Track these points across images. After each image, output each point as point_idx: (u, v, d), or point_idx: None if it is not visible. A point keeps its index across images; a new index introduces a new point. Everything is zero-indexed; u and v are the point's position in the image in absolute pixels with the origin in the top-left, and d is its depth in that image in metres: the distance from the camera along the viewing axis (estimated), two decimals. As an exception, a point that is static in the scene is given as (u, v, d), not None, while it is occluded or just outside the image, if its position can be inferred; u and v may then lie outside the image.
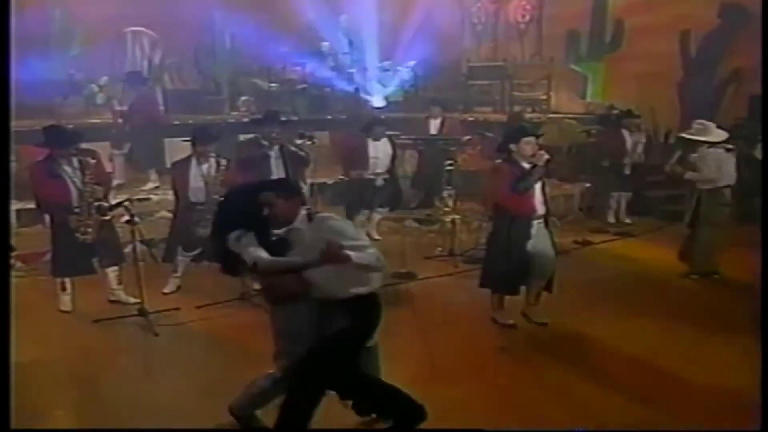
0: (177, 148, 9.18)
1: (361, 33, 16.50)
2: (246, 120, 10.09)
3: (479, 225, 9.92)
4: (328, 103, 15.65)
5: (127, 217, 7.31)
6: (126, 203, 7.41)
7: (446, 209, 10.27)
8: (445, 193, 10.41)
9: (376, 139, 10.18)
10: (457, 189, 10.34)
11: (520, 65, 15.90)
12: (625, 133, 11.75)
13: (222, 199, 5.34)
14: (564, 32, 15.46)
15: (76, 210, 7.27)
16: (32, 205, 7.80)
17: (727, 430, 5.11)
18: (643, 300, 8.15)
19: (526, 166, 6.91)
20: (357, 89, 15.62)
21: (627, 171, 11.77)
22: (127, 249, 7.61)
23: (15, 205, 10.10)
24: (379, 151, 10.25)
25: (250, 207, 4.76)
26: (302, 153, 8.64)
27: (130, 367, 6.33)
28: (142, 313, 7.18)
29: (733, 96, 13.19)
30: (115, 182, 9.64)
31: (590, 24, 15.20)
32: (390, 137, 10.44)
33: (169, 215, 8.71)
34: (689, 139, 8.99)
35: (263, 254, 4.65)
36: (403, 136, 11.58)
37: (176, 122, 12.47)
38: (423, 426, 5.07)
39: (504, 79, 15.52)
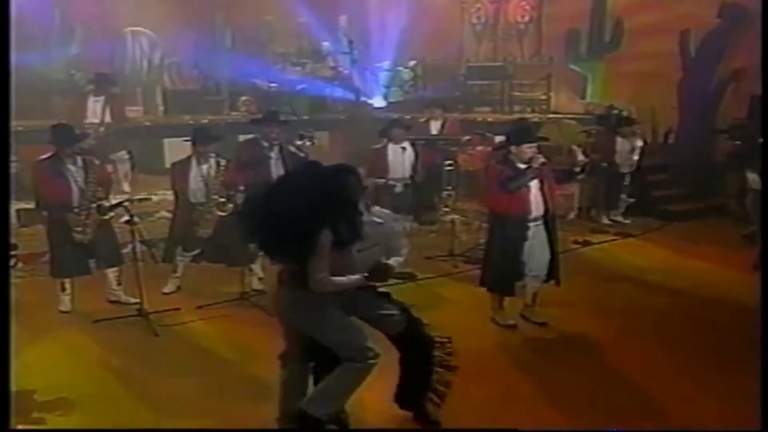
0: (177, 149, 9.19)
1: (361, 33, 16.50)
2: (246, 120, 10.04)
3: (479, 225, 9.91)
4: (328, 103, 15.64)
5: (126, 217, 7.31)
6: (126, 203, 7.42)
7: (446, 209, 10.28)
8: (445, 194, 10.42)
9: (396, 142, 9.98)
10: (456, 189, 10.34)
11: (520, 65, 15.90)
12: (618, 137, 11.77)
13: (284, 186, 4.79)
14: (563, 32, 15.45)
15: (75, 209, 7.27)
16: (32, 205, 7.79)
17: (727, 430, 5.10)
18: (644, 301, 8.16)
19: (521, 166, 6.91)
20: (357, 90, 15.61)
21: (627, 176, 11.79)
22: (127, 249, 7.60)
23: (16, 205, 10.13)
24: (398, 154, 9.80)
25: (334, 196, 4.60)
26: (302, 154, 8.63)
27: (130, 367, 6.31)
28: (141, 313, 7.19)
29: (733, 96, 13.20)
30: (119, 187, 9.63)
31: (590, 24, 15.19)
32: (413, 142, 9.98)
33: (169, 215, 8.71)
34: None
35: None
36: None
37: (176, 122, 12.49)
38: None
39: (504, 79, 15.52)
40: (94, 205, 7.32)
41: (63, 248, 7.42)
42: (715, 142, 11.98)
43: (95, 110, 10.99)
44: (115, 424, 5.33)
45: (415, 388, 5.25)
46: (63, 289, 7.62)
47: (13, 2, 7.05)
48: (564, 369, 6.30)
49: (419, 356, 5.21)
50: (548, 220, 7.13)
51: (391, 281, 8.54)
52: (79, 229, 7.30)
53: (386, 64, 16.55)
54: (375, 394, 5.35)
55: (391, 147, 9.75)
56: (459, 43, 16.93)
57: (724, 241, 10.38)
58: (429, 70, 16.22)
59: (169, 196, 8.73)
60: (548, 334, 7.15)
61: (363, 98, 15.74)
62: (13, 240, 6.52)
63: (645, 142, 11.97)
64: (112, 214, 7.45)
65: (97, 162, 7.48)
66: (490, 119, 14.30)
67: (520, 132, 7.32)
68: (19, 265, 8.52)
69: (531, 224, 6.99)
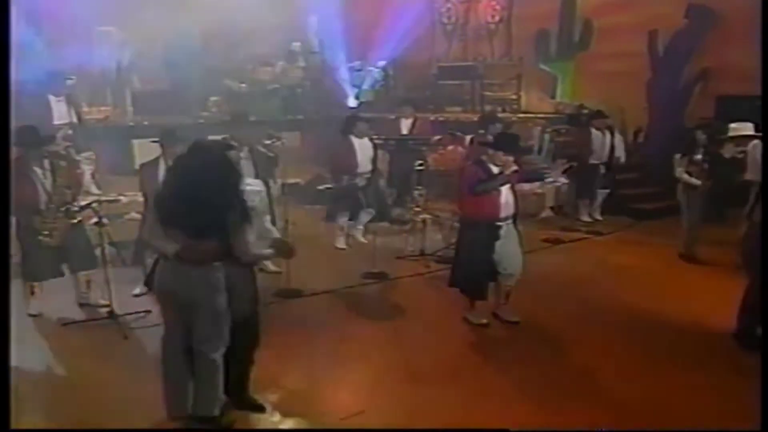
0: (146, 150, 9.11)
1: (332, 33, 16.49)
2: (215, 121, 10.01)
3: (450, 225, 9.93)
4: (300, 103, 15.61)
5: (95, 219, 7.23)
6: (94, 205, 7.34)
7: (417, 209, 10.29)
8: (415, 193, 10.43)
9: (359, 137, 10.06)
10: (427, 189, 10.36)
11: (490, 65, 16.00)
12: (594, 132, 11.83)
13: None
14: (533, 32, 15.56)
15: (43, 212, 7.17)
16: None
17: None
18: (614, 297, 8.22)
19: (495, 170, 6.93)
20: (328, 90, 15.59)
21: (599, 170, 11.85)
22: (96, 251, 7.52)
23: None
24: (362, 149, 10.10)
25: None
26: (271, 154, 8.60)
27: (100, 370, 6.24)
28: (111, 316, 7.12)
29: (700, 95, 13.35)
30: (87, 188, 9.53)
31: (559, 24, 15.30)
32: (370, 137, 10.29)
33: (139, 217, 8.63)
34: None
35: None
36: (374, 136, 11.54)
37: (145, 123, 12.39)
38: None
39: (474, 78, 15.59)
40: (62, 208, 7.21)
41: (34, 252, 7.30)
42: (687, 140, 12.03)
43: (60, 111, 10.85)
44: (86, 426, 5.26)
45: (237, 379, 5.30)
46: (32, 293, 7.52)
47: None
48: (533, 367, 6.32)
49: (242, 350, 5.23)
50: (517, 221, 7.19)
51: (363, 281, 8.65)
52: (46, 232, 7.19)
53: (357, 63, 16.55)
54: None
55: (356, 142, 9.88)
56: (430, 43, 16.98)
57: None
58: (400, 69, 16.28)
59: (139, 197, 8.64)
60: (520, 333, 7.17)
61: (334, 98, 15.73)
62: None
63: (612, 134, 12.01)
64: (80, 216, 7.35)
65: (63, 164, 7.36)
66: (461, 118, 14.32)
67: (508, 141, 7.26)
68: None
69: (502, 224, 7.02)
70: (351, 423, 5.27)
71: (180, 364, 4.98)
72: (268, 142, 8.62)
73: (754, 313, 6.44)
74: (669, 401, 5.66)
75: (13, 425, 5.16)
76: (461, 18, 17.02)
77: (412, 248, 9.92)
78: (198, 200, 4.63)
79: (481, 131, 10.51)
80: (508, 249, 7.10)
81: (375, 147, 10.26)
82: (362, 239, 10.38)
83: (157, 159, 7.81)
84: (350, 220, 10.37)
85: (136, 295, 7.97)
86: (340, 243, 10.38)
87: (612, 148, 11.91)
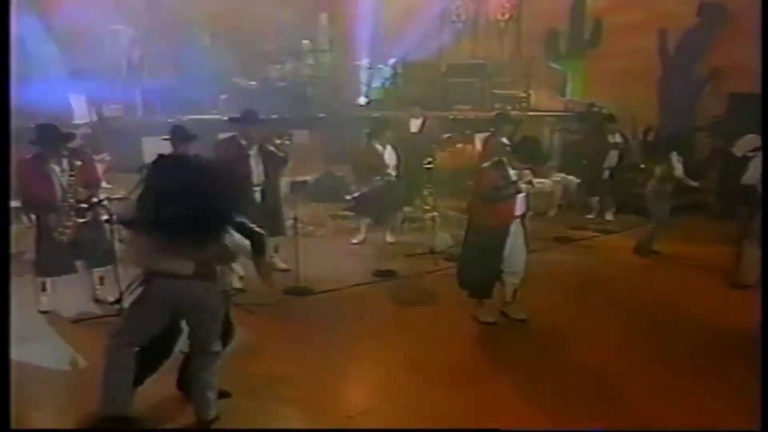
0: (155, 147, 9.12)
1: (341, 31, 16.50)
2: (225, 119, 10.02)
3: (459, 223, 9.92)
4: (309, 101, 15.61)
5: (106, 216, 7.24)
6: (105, 202, 7.35)
7: (426, 207, 10.28)
8: (425, 192, 10.43)
9: (384, 144, 10.12)
10: (436, 187, 10.35)
11: (500, 63, 15.93)
12: (608, 135, 11.80)
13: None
14: (543, 30, 15.52)
15: (58, 209, 7.20)
16: (13, 204, 7.68)
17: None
18: (620, 295, 8.19)
19: (513, 175, 6.90)
20: (337, 88, 15.59)
21: (607, 173, 11.81)
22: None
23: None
24: (387, 153, 10.19)
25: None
26: (281, 153, 8.61)
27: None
28: (122, 312, 7.11)
29: (711, 93, 13.28)
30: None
31: (569, 22, 15.27)
32: (394, 146, 10.31)
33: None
34: None
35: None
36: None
37: (155, 120, 12.41)
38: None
39: (484, 77, 15.53)
40: (76, 206, 7.22)
41: (50, 249, 7.33)
42: (696, 139, 12.01)
43: (80, 110, 10.91)
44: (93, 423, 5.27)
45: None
46: (43, 289, 7.54)
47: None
48: (541, 365, 6.31)
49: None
50: (525, 219, 7.18)
51: (373, 278, 8.65)
52: (61, 229, 7.22)
53: (366, 62, 16.55)
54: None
55: (379, 147, 9.92)
56: (439, 41, 16.94)
57: (702, 237, 10.45)
58: (409, 68, 16.23)
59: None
60: (529, 331, 7.15)
61: (343, 96, 15.73)
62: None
63: (624, 137, 11.97)
64: (90, 214, 7.36)
65: (78, 163, 7.38)
66: (470, 117, 14.29)
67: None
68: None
69: (514, 221, 7.03)
70: (359, 420, 5.28)
71: (129, 362, 4.98)
72: (278, 140, 8.61)
73: None
74: (679, 402, 5.63)
75: (20, 420, 5.22)
76: (471, 16, 16.97)
77: (422, 246, 9.91)
78: (204, 212, 4.67)
79: (491, 130, 10.55)
80: (515, 247, 7.10)
81: (397, 153, 10.29)
82: (389, 239, 10.37)
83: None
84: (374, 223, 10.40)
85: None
86: (357, 238, 10.39)
87: (620, 154, 11.87)
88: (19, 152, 7.17)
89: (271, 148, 8.58)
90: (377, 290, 8.44)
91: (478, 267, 7.13)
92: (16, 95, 11.26)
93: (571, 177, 11.55)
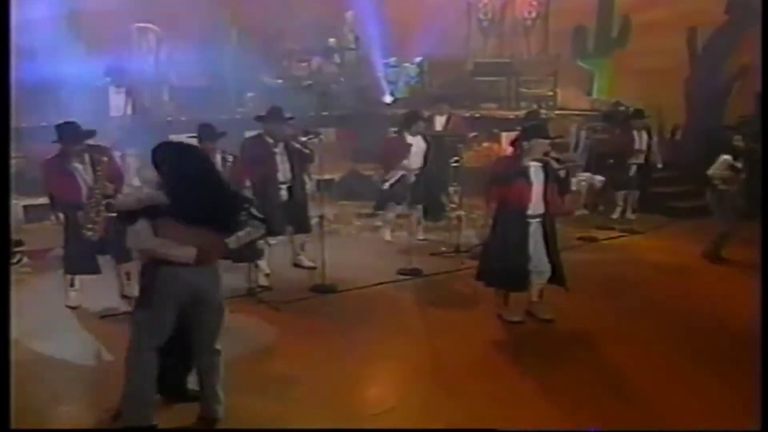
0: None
1: (368, 29, 16.50)
2: (252, 116, 10.08)
3: (485, 221, 9.90)
4: (335, 99, 15.65)
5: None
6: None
7: (452, 205, 10.27)
8: (451, 190, 10.41)
9: (414, 135, 10.08)
10: (462, 185, 10.33)
11: (527, 61, 15.89)
12: (635, 132, 11.72)
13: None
14: (570, 28, 15.44)
15: (85, 207, 7.27)
16: (40, 201, 7.79)
17: (727, 429, 5.09)
18: (647, 296, 8.15)
19: (530, 164, 6.89)
20: (363, 86, 15.60)
21: (634, 169, 11.73)
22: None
23: (22, 201, 10.17)
24: (416, 145, 10.04)
25: None
26: (307, 150, 8.64)
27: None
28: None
29: (740, 92, 13.15)
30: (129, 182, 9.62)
31: (597, 20, 15.18)
32: (424, 134, 10.21)
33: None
34: None
35: None
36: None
37: (182, 118, 12.50)
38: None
39: (510, 75, 15.49)
40: (103, 202, 7.29)
41: (77, 246, 7.41)
42: (723, 139, 11.90)
43: (117, 103, 11.03)
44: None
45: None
46: (71, 285, 7.63)
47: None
48: (567, 366, 6.29)
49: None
50: (545, 220, 7.08)
51: (398, 277, 8.65)
52: (89, 226, 7.29)
53: (392, 60, 16.56)
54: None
55: (410, 138, 9.88)
56: (465, 39, 16.91)
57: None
58: (435, 66, 16.22)
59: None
60: (555, 331, 7.13)
61: (369, 94, 15.74)
62: (18, 236, 6.51)
63: (649, 135, 11.88)
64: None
65: (104, 159, 7.45)
66: (496, 115, 14.26)
67: (532, 128, 7.30)
68: (24, 260, 8.55)
69: (531, 221, 6.99)
70: (382, 419, 5.29)
71: (151, 368, 4.92)
72: (304, 138, 8.65)
73: None
74: (700, 402, 5.61)
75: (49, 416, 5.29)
76: (498, 14, 16.92)
77: (447, 245, 9.90)
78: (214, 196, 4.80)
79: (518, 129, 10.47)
80: (538, 247, 7.06)
81: (428, 144, 10.16)
82: (421, 236, 10.39)
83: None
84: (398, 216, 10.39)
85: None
86: (387, 236, 10.41)
87: (648, 148, 11.78)
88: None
89: (297, 145, 8.61)
90: (402, 289, 8.46)
91: (504, 258, 7.07)
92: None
93: (597, 176, 11.52)
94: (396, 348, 6.64)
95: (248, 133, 9.08)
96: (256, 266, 8.20)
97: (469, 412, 5.41)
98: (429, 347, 6.63)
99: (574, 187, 11.73)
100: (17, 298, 7.22)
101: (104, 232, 7.29)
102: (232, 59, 14.89)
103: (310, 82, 15.67)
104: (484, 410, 5.46)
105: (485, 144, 12.92)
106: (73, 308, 7.59)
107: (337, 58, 16.26)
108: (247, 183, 8.06)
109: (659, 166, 11.98)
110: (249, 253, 7.77)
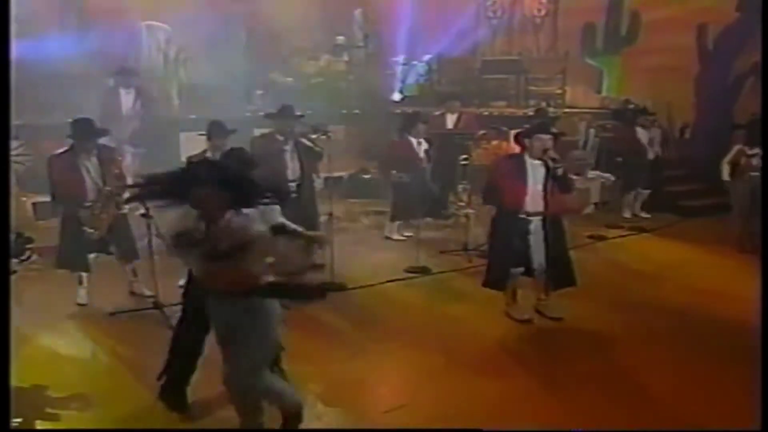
0: (193, 142, 9.22)
1: (377, 27, 16.50)
2: (261, 114, 10.09)
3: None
4: (344, 97, 15.64)
5: (142, 211, 7.31)
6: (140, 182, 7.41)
7: (461, 204, 10.26)
8: (459, 188, 10.41)
9: (416, 136, 10.11)
10: (471, 183, 10.33)
11: (536, 59, 15.84)
12: (639, 130, 11.72)
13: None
14: (579, 26, 15.41)
15: (89, 204, 7.30)
16: (50, 198, 7.80)
17: (727, 429, 5.08)
18: (658, 295, 8.13)
19: (532, 162, 6.91)
20: (372, 84, 15.59)
21: (644, 167, 11.73)
22: (143, 242, 7.63)
23: (32, 198, 10.20)
24: (419, 146, 10.17)
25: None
26: (317, 148, 8.65)
27: (147, 360, 6.32)
28: (157, 306, 7.21)
29: (751, 90, 13.09)
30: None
31: (606, 18, 15.14)
32: (426, 137, 10.31)
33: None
34: None
35: None
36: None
37: (192, 116, 12.52)
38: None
39: (519, 73, 15.45)
40: (111, 199, 7.31)
41: (71, 242, 7.46)
42: (733, 137, 11.87)
43: (127, 103, 11.14)
44: (129, 417, 5.34)
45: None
46: (80, 283, 7.66)
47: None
48: (574, 365, 6.28)
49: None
50: (546, 220, 7.06)
51: (406, 275, 8.65)
52: (92, 224, 7.31)
53: (402, 58, 16.54)
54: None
55: (413, 140, 9.90)
56: (475, 37, 16.88)
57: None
58: (444, 64, 16.19)
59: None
60: (564, 329, 7.12)
61: (378, 92, 15.73)
62: (28, 234, 6.52)
63: (664, 132, 11.89)
64: (128, 207, 7.45)
65: (118, 158, 7.47)
66: (505, 113, 14.24)
67: (533, 125, 7.40)
68: (34, 257, 8.56)
69: (532, 218, 7.00)
70: (393, 416, 5.29)
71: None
72: (313, 135, 8.66)
73: None
74: (706, 401, 5.60)
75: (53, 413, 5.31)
76: (507, 12, 16.90)
77: (455, 243, 9.89)
78: None
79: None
80: (538, 246, 7.07)
81: (430, 144, 10.25)
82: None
83: (203, 152, 7.90)
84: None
85: (182, 287, 8.07)
86: (395, 235, 10.41)
87: (660, 144, 11.80)
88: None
89: (307, 143, 8.62)
90: (410, 287, 8.46)
91: (502, 255, 7.15)
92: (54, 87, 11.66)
93: (606, 174, 11.50)
94: (404, 346, 6.63)
95: (258, 131, 9.10)
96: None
97: (479, 409, 5.41)
98: (438, 345, 6.62)
99: (579, 185, 11.78)
100: (27, 294, 7.30)
101: (106, 231, 7.33)
102: (242, 57, 14.89)
103: (319, 79, 15.67)
104: (494, 406, 5.47)
105: (494, 142, 12.88)
106: (82, 305, 7.61)
107: (346, 56, 16.25)
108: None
109: (659, 154, 11.98)
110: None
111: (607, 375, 6.07)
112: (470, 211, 10.08)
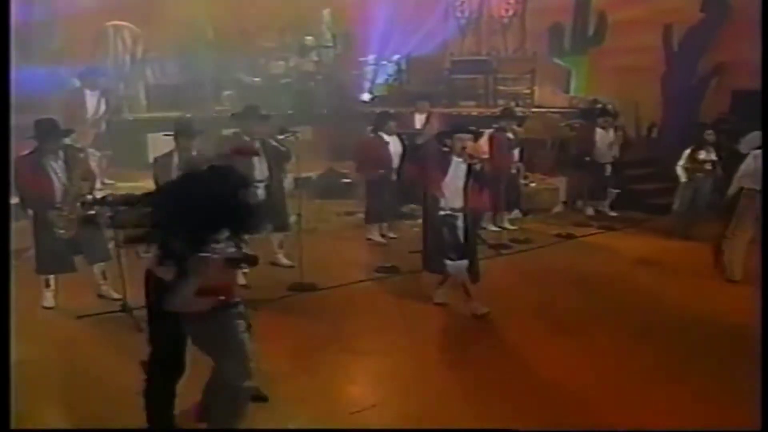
0: (160, 143, 9.14)
1: (345, 27, 16.49)
2: (229, 114, 10.05)
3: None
4: (312, 97, 15.61)
5: (109, 213, 7.23)
6: (109, 198, 7.34)
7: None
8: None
9: (389, 134, 10.10)
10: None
11: (504, 59, 15.93)
12: (599, 130, 11.83)
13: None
14: (547, 26, 15.52)
15: (58, 206, 7.21)
16: (15, 201, 7.68)
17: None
18: (625, 292, 8.20)
19: (456, 159, 7.21)
20: (341, 84, 15.57)
21: (608, 167, 11.85)
22: (109, 244, 7.55)
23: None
24: (393, 145, 10.11)
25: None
26: (283, 148, 8.61)
27: (115, 363, 6.26)
28: (125, 309, 7.13)
29: (716, 90, 13.26)
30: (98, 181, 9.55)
31: (573, 18, 15.26)
32: (399, 134, 10.30)
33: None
34: None
35: None
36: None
37: (159, 116, 12.43)
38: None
39: (488, 73, 15.51)
40: (78, 200, 7.23)
41: (49, 245, 7.34)
42: (697, 136, 12.02)
43: (93, 105, 11.04)
44: (102, 422, 5.27)
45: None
46: (47, 285, 7.55)
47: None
48: (544, 362, 6.31)
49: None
50: (467, 215, 7.34)
51: (376, 275, 8.63)
52: (62, 224, 7.23)
53: (370, 58, 16.54)
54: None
55: (387, 138, 9.91)
56: (443, 38, 16.93)
57: (706, 235, 10.41)
58: (413, 64, 16.21)
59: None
60: (529, 326, 7.15)
61: (347, 92, 15.72)
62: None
63: (626, 133, 12.01)
64: (95, 209, 7.36)
65: (81, 155, 7.38)
66: (474, 113, 14.28)
67: (453, 127, 7.77)
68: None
69: (455, 213, 7.28)
70: (362, 416, 5.28)
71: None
72: (281, 136, 8.61)
73: None
74: (679, 401, 5.62)
75: (24, 415, 5.23)
76: (475, 12, 16.99)
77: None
78: None
79: (495, 126, 10.55)
80: (456, 239, 7.32)
81: (404, 144, 10.23)
82: (391, 234, 10.43)
83: (171, 152, 7.83)
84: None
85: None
86: (376, 236, 10.41)
87: (619, 146, 11.93)
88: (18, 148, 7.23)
89: (274, 143, 8.58)
90: (380, 286, 8.45)
91: (430, 240, 7.46)
92: (20, 87, 11.50)
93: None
94: (375, 345, 6.62)
95: (225, 131, 9.04)
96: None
97: (449, 407, 5.41)
98: (407, 344, 6.61)
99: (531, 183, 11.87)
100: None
101: (76, 231, 7.24)
102: (209, 57, 14.82)
103: (287, 80, 15.63)
104: (464, 404, 5.47)
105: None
106: (48, 309, 7.51)
107: (314, 56, 16.21)
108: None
109: (617, 156, 12.11)
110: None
111: (572, 374, 6.09)
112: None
